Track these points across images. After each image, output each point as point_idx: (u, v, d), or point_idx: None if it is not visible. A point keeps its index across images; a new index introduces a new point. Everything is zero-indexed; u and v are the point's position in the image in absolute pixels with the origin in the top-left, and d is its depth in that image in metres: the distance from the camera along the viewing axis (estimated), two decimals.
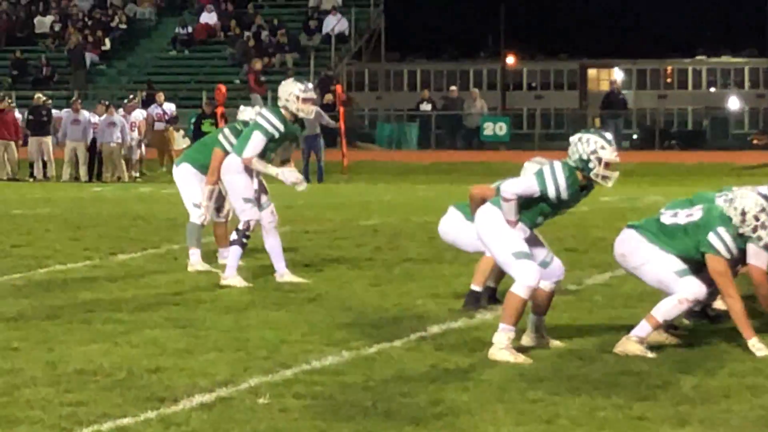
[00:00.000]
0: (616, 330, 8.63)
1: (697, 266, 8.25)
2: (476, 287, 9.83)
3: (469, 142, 39.86)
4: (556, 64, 70.44)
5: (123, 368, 7.55)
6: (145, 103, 31.30)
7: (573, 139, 8.15)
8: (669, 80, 68.60)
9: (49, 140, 28.54)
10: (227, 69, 43.85)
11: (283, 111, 10.99)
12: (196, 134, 25.99)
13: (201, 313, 9.64)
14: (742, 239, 8.21)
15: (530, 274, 7.97)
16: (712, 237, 8.18)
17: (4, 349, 8.13)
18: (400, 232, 15.64)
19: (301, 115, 11.02)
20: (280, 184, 11.30)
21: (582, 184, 8.12)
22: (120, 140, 27.80)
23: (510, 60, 63.67)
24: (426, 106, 40.98)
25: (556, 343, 8.41)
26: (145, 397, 6.86)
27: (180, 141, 30.11)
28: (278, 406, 6.70)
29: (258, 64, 39.91)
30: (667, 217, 8.42)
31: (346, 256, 13.26)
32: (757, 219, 8.13)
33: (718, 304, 9.02)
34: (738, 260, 8.35)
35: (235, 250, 11.05)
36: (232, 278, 11.01)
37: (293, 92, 10.95)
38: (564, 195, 8.07)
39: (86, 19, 46.83)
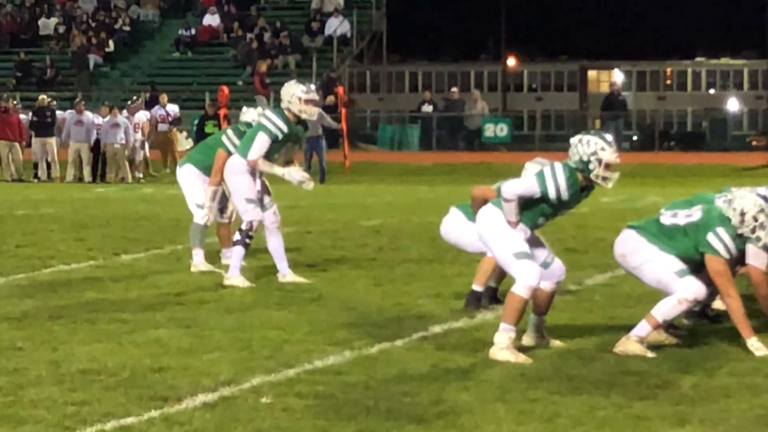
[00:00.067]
0: (616, 330, 8.65)
1: (697, 266, 8.27)
2: (477, 287, 9.85)
3: (470, 143, 39.91)
4: (556, 66, 70.46)
5: (127, 368, 7.57)
6: (149, 105, 31.34)
7: (573, 140, 8.17)
8: (668, 82, 68.64)
9: (53, 141, 28.61)
10: (230, 71, 43.95)
11: (286, 112, 11.03)
12: (199, 135, 26.04)
13: (204, 313, 9.67)
14: (741, 240, 8.24)
15: (531, 274, 8.00)
16: (711, 237, 8.20)
17: (8, 349, 8.15)
18: (402, 232, 15.67)
19: (303, 116, 11.06)
20: (282, 185, 11.34)
21: (582, 185, 8.14)
22: (124, 141, 27.87)
23: (511, 62, 63.68)
24: (427, 108, 41.02)
25: (556, 343, 8.44)
26: (149, 396, 6.88)
27: (183, 142, 30.22)
28: (281, 405, 6.72)
29: (263, 66, 40.00)
30: (666, 218, 8.45)
31: (348, 256, 13.29)
32: (755, 220, 8.17)
33: (718, 304, 9.03)
34: (737, 261, 8.38)
35: (238, 251, 11.09)
36: (235, 278, 11.05)
37: (295, 94, 10.99)
38: (564, 196, 8.09)
39: (90, 21, 46.95)
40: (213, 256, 12.37)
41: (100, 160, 28.21)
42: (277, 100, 12.65)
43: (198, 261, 12.03)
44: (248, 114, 12.11)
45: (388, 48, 51.12)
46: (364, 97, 57.56)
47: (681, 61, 69.00)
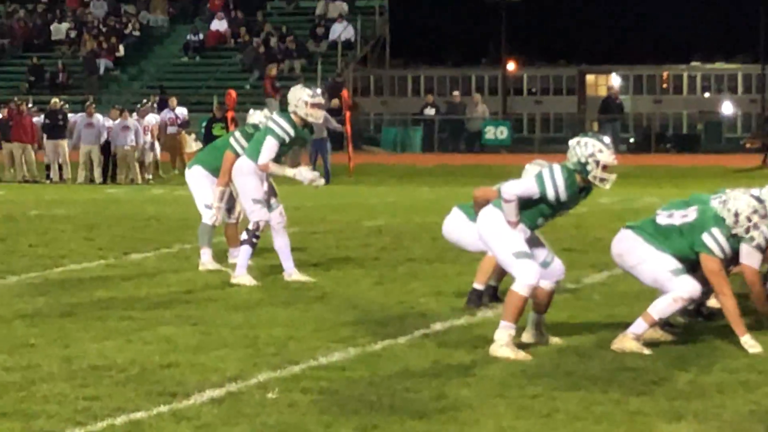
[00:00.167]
0: (613, 327, 8.68)
1: (692, 266, 8.33)
2: (478, 286, 9.90)
3: (471, 145, 39.95)
4: (555, 70, 70.43)
5: (136, 364, 7.63)
6: (159, 108, 31.48)
7: (572, 142, 8.22)
8: (665, 86, 68.59)
9: (65, 143, 28.71)
10: (237, 75, 44.10)
11: (292, 116, 11.09)
12: (207, 138, 26.14)
13: (212, 311, 9.71)
14: (735, 240, 8.30)
15: (530, 273, 8.06)
16: (706, 237, 8.26)
17: (21, 346, 8.21)
18: (404, 232, 15.69)
19: (310, 119, 11.13)
20: (288, 186, 11.39)
21: (580, 186, 8.20)
22: (134, 143, 28.00)
23: (511, 66, 63.61)
24: (429, 111, 41.09)
25: (555, 340, 8.49)
26: (158, 391, 6.94)
27: (191, 144, 30.29)
28: (286, 400, 6.77)
29: (273, 70, 40.15)
30: (662, 218, 8.50)
31: (352, 255, 13.32)
32: (749, 220, 8.23)
33: (712, 303, 9.09)
34: (731, 260, 8.44)
35: (246, 250, 11.16)
36: (242, 277, 11.11)
37: (302, 98, 11.06)
38: (563, 196, 8.15)
39: (101, 27, 47.11)
40: (220, 256, 12.42)
41: (110, 162, 28.36)
42: (282, 103, 12.71)
43: (206, 260, 12.09)
44: (255, 116, 12.18)
45: (391, 53, 51.24)
46: (367, 100, 57.56)
47: (677, 66, 68.98)
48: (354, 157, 29.63)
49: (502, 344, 8.06)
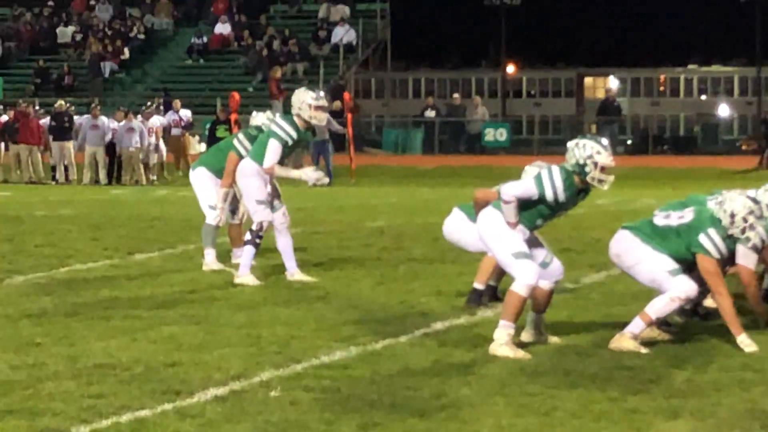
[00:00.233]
0: (611, 327, 8.72)
1: (689, 266, 8.37)
2: (478, 285, 9.94)
3: (471, 147, 40.00)
4: (554, 73, 70.50)
5: (141, 362, 7.66)
6: (165, 110, 31.59)
7: (570, 144, 8.26)
8: (662, 88, 68.66)
9: (70, 145, 28.80)
10: (241, 77, 44.25)
11: (296, 119, 11.14)
12: (211, 139, 26.30)
13: (215, 310, 9.75)
14: (731, 240, 8.35)
15: (529, 273, 8.10)
16: (702, 238, 8.31)
17: (27, 344, 8.25)
18: (405, 233, 15.72)
19: (314, 122, 11.18)
20: (290, 187, 11.42)
21: (579, 187, 8.24)
22: (138, 145, 28.10)
23: (510, 69, 63.68)
24: (430, 113, 41.14)
25: (554, 339, 8.54)
26: (162, 390, 6.97)
27: (195, 146, 30.43)
28: (289, 398, 6.81)
29: (278, 72, 40.22)
30: (659, 219, 8.54)
31: (354, 256, 13.36)
32: (745, 221, 8.28)
33: (709, 303, 9.14)
34: (727, 260, 8.49)
35: (249, 250, 11.21)
36: (245, 277, 11.15)
37: (306, 101, 11.10)
38: (561, 197, 8.20)
39: (106, 30, 47.22)
40: (224, 256, 12.45)
41: (115, 164, 28.46)
42: (286, 105, 12.80)
43: (209, 260, 12.14)
44: (258, 118, 12.22)
45: (393, 55, 51.28)
46: (369, 102, 57.66)
47: (674, 68, 69.05)
48: (355, 158, 29.67)
49: (502, 343, 8.09)
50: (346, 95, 32.24)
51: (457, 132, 40.78)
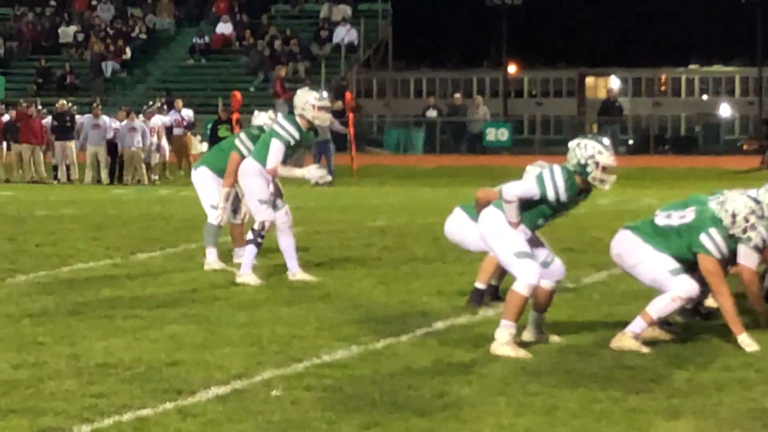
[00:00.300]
0: (612, 326, 8.73)
1: (690, 266, 8.38)
2: (480, 285, 9.95)
3: (473, 147, 40.01)
4: (555, 73, 70.50)
5: (143, 362, 7.67)
6: (168, 109, 31.63)
7: (572, 144, 8.27)
8: (663, 88, 68.68)
9: (72, 144, 28.87)
10: (242, 77, 44.33)
11: (298, 119, 11.15)
12: (213, 139, 26.33)
13: (217, 310, 9.76)
14: (732, 240, 8.37)
15: (531, 273, 8.12)
16: (703, 238, 8.32)
17: (29, 344, 8.26)
18: (407, 232, 15.75)
19: (317, 122, 11.20)
20: (292, 187, 11.41)
21: (580, 187, 8.25)
22: (140, 145, 28.15)
23: (511, 68, 63.70)
24: (431, 113, 41.17)
25: (555, 339, 8.55)
26: (164, 389, 6.98)
27: (197, 145, 30.45)
28: (290, 398, 6.82)
29: (282, 71, 40.27)
30: (661, 219, 8.56)
31: (355, 255, 13.38)
32: (746, 221, 8.30)
33: (710, 302, 9.14)
34: (729, 260, 8.50)
35: (251, 249, 11.23)
36: (247, 276, 11.17)
37: (309, 101, 11.12)
38: (563, 197, 8.21)
39: (108, 30, 47.30)
40: (226, 255, 12.46)
41: (117, 163, 28.51)
42: (289, 105, 12.80)
43: (211, 259, 12.16)
44: (259, 118, 12.24)
45: (394, 55, 51.39)
46: (370, 102, 57.64)
47: (675, 68, 69.06)
48: (357, 158, 29.72)
49: (503, 343, 8.11)
50: (348, 95, 32.28)
51: (459, 132, 40.80)
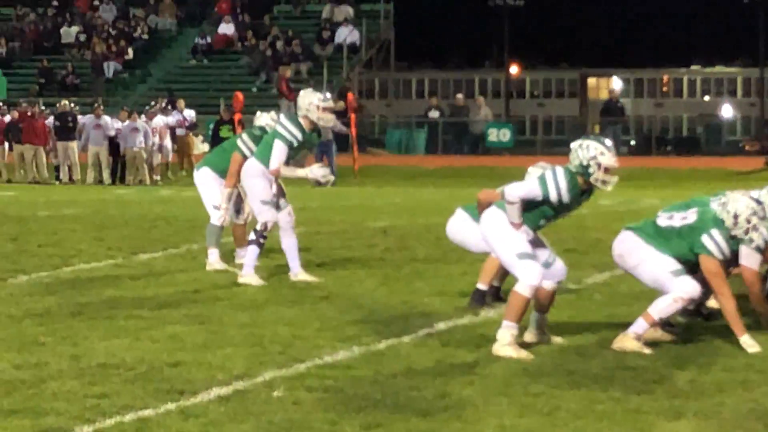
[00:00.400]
0: (614, 327, 8.73)
1: (692, 267, 8.38)
2: (482, 286, 9.96)
3: (475, 147, 40.03)
4: (557, 73, 70.62)
5: (144, 362, 7.68)
6: (172, 110, 31.68)
7: (574, 145, 8.27)
8: (665, 89, 68.78)
9: (74, 145, 28.91)
10: (244, 77, 44.37)
11: (302, 120, 11.16)
12: (215, 139, 26.37)
13: (219, 310, 9.76)
14: (734, 241, 8.37)
15: (533, 273, 8.12)
16: (705, 239, 8.33)
17: (31, 344, 8.27)
18: (409, 233, 15.76)
19: (321, 123, 11.22)
20: (294, 187, 11.42)
21: (582, 188, 8.26)
22: (143, 145, 28.18)
23: (513, 69, 63.80)
24: (433, 113, 41.17)
25: (557, 340, 8.55)
26: (166, 389, 6.98)
27: (199, 146, 30.54)
28: (292, 398, 6.81)
29: (288, 72, 40.27)
30: (662, 220, 8.56)
31: (357, 256, 13.39)
32: (748, 222, 8.30)
33: (712, 303, 9.14)
34: (730, 261, 8.50)
35: (253, 250, 11.25)
36: (249, 276, 11.19)
37: (313, 102, 11.13)
38: (565, 198, 8.22)
39: (110, 30, 47.35)
40: (227, 256, 12.48)
41: (119, 163, 28.54)
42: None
43: (213, 260, 12.17)
44: (262, 118, 12.27)
45: (396, 56, 51.41)
46: (372, 102, 57.75)
47: (677, 69, 69.17)
48: (359, 158, 29.74)
49: (505, 343, 8.11)
50: (350, 95, 32.30)
51: (461, 132, 40.81)
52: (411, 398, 6.90)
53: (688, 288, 8.31)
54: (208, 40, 46.49)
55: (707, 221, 8.42)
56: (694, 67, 69.93)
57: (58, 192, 25.22)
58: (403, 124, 46.23)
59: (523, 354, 8.08)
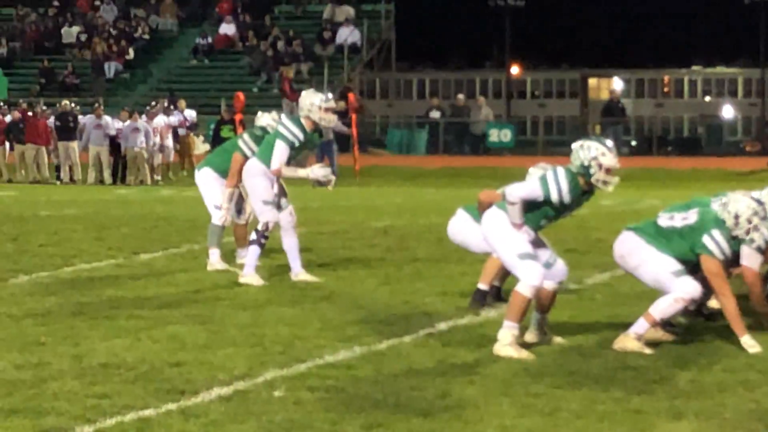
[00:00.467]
0: (615, 327, 8.75)
1: (693, 267, 8.39)
2: (483, 286, 9.97)
3: (476, 148, 40.03)
4: (558, 74, 70.66)
5: (145, 362, 7.69)
6: (173, 110, 31.68)
7: (575, 145, 8.29)
8: (666, 89, 68.83)
9: (75, 145, 28.93)
10: (245, 78, 44.35)
11: (304, 121, 11.17)
12: (215, 139, 26.36)
13: (220, 310, 9.77)
14: (735, 242, 8.38)
15: (534, 274, 8.13)
16: (706, 239, 8.34)
17: (32, 344, 8.28)
18: (410, 233, 15.76)
19: (323, 124, 11.23)
20: (295, 187, 11.42)
21: (583, 188, 8.27)
22: (144, 145, 28.20)
23: (514, 69, 63.82)
24: (434, 114, 41.17)
25: (558, 340, 8.56)
26: (167, 389, 7.00)
27: (200, 146, 30.53)
28: (293, 398, 6.83)
29: (291, 72, 40.26)
30: (663, 220, 8.57)
31: (358, 256, 13.40)
32: (749, 222, 8.31)
33: (713, 303, 9.16)
34: (732, 262, 8.51)
35: (254, 250, 11.25)
36: (250, 276, 11.19)
37: (315, 102, 11.14)
38: (566, 199, 8.23)
39: (111, 30, 47.35)
40: (229, 256, 12.48)
41: (120, 163, 28.56)
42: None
43: (214, 260, 12.17)
44: (263, 119, 12.27)
45: (397, 56, 51.34)
46: (373, 103, 57.75)
47: (678, 70, 69.20)
48: (360, 159, 29.73)
49: (506, 344, 8.12)
50: (351, 96, 32.29)
51: (462, 133, 40.81)
52: (412, 398, 6.90)
53: (689, 288, 8.32)
54: (209, 40, 46.48)
55: (708, 221, 8.43)
56: (695, 68, 69.96)
57: (58, 192, 25.23)
58: (404, 125, 46.25)
59: (524, 354, 8.08)
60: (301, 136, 11.18)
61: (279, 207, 11.38)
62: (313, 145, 11.58)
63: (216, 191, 12.25)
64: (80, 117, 29.60)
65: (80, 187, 27.26)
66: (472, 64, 72.63)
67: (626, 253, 8.59)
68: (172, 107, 31.46)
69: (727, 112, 61.69)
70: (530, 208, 8.26)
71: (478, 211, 8.71)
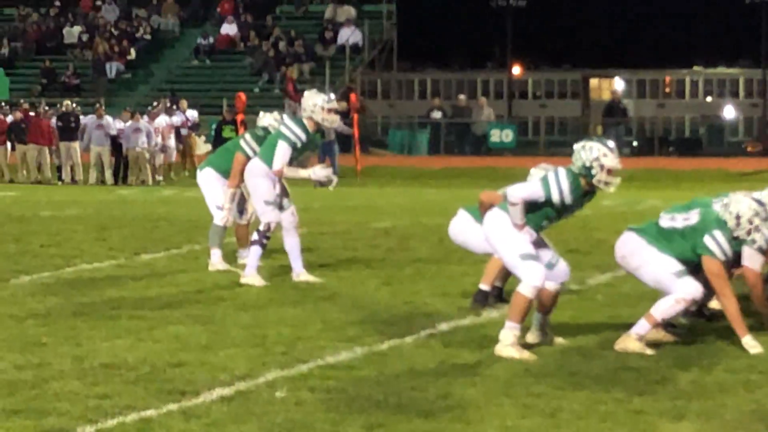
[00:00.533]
0: (616, 328, 8.75)
1: (694, 268, 8.40)
2: (484, 286, 9.97)
3: (477, 148, 40.03)
4: (559, 74, 70.75)
5: (147, 363, 7.70)
6: (177, 110, 31.68)
7: (576, 146, 8.29)
8: (667, 90, 68.90)
9: (77, 145, 28.94)
10: (247, 78, 44.33)
11: (306, 121, 11.17)
12: (217, 140, 26.37)
13: (221, 311, 9.78)
14: (737, 242, 8.38)
15: (536, 274, 8.13)
16: (707, 240, 8.34)
17: (33, 344, 8.28)
18: (411, 234, 15.76)
19: (326, 124, 11.24)
20: (296, 187, 11.42)
21: (585, 189, 8.27)
22: (145, 145, 28.21)
23: (516, 70, 63.85)
24: (436, 114, 41.17)
25: (559, 340, 8.56)
26: (168, 390, 7.00)
27: (201, 146, 30.53)
28: (294, 399, 6.84)
29: (294, 73, 40.26)
30: (665, 221, 8.57)
31: (360, 256, 13.41)
32: (751, 222, 8.32)
33: (714, 304, 9.16)
34: (733, 262, 8.52)
35: (256, 250, 11.25)
36: (251, 277, 11.19)
37: (318, 103, 11.14)
38: (568, 200, 8.23)
39: (113, 30, 47.35)
40: (230, 256, 12.49)
41: (122, 164, 28.57)
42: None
43: (215, 260, 12.17)
44: (265, 119, 12.28)
45: (399, 56, 51.30)
46: (375, 103, 57.76)
47: (679, 70, 69.27)
48: (361, 159, 29.75)
49: (507, 344, 8.13)
50: (353, 96, 32.32)
51: (463, 133, 40.81)
52: (413, 399, 6.90)
53: (690, 289, 8.32)
54: (211, 40, 46.49)
55: (709, 222, 8.43)
56: (696, 68, 70.04)
57: (60, 192, 25.24)
58: (405, 125, 46.25)
59: (526, 355, 8.09)
60: (303, 136, 11.18)
61: (281, 207, 11.39)
62: (315, 145, 11.59)
63: (218, 192, 12.25)
64: (82, 117, 29.61)
65: (82, 188, 27.28)
66: (473, 64, 72.74)
67: (628, 253, 8.59)
68: (174, 107, 31.46)
69: (729, 112, 61.74)
70: (532, 208, 8.25)
71: (480, 211, 8.72)
